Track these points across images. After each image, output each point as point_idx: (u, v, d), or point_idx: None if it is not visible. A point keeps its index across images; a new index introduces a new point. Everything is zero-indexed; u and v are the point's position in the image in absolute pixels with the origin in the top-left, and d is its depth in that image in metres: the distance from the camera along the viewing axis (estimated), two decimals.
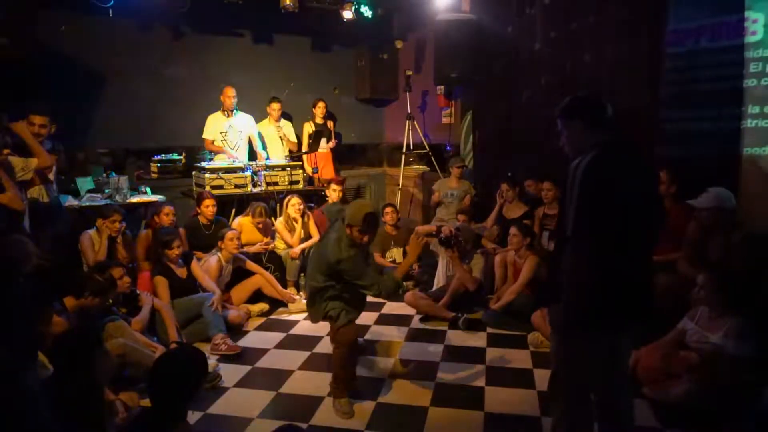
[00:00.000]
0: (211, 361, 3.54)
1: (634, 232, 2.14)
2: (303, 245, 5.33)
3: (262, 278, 4.90)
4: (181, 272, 4.39)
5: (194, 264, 4.48)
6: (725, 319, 3.12)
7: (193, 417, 3.04)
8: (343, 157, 7.45)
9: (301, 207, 5.37)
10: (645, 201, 2.18)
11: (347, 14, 6.65)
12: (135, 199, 5.20)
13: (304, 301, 4.91)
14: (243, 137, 6.24)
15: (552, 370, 2.39)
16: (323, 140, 6.61)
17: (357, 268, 3.09)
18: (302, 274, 5.29)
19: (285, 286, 5.14)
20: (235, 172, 5.65)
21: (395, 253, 5.87)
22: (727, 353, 3.02)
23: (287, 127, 6.71)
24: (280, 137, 6.53)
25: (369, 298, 5.16)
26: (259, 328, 4.57)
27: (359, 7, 6.67)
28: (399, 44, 7.34)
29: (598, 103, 2.29)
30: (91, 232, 4.46)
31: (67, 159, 5.11)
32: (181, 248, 4.39)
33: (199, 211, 5.09)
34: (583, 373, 2.27)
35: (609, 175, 2.12)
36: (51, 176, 4.19)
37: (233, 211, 5.78)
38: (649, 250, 2.25)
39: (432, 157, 6.99)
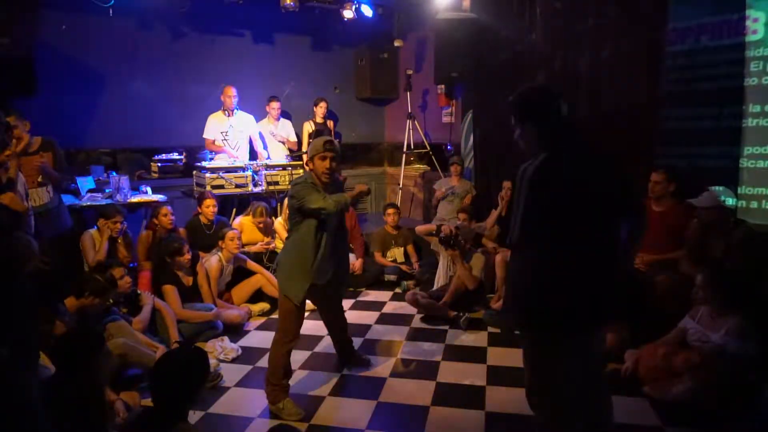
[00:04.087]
0: (212, 360, 3.55)
1: (587, 235, 2.06)
2: None
3: (263, 278, 4.90)
4: (188, 280, 4.38)
5: (201, 275, 4.45)
6: (726, 319, 3.13)
7: (194, 417, 3.04)
8: (343, 156, 7.41)
9: None
10: (601, 203, 2.08)
11: (348, 13, 6.65)
12: (135, 199, 5.19)
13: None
14: (244, 137, 6.23)
15: (527, 375, 2.38)
16: None
17: (305, 192, 3.03)
18: None
19: None
20: (235, 171, 5.65)
21: (396, 253, 5.87)
22: (727, 352, 3.03)
23: (287, 126, 6.72)
24: (280, 141, 6.54)
25: (370, 297, 5.16)
26: (260, 327, 4.57)
27: (360, 6, 6.67)
28: (398, 43, 7.34)
29: (549, 99, 2.14)
30: (93, 231, 4.46)
31: (66, 155, 5.08)
32: (190, 253, 4.38)
33: (200, 211, 5.09)
34: (571, 378, 2.20)
35: (556, 182, 2.05)
36: (43, 178, 4.15)
37: (234, 210, 5.78)
38: (612, 252, 2.13)
39: (433, 157, 6.99)
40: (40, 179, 4.11)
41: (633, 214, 2.18)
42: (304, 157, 6.38)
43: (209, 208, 5.03)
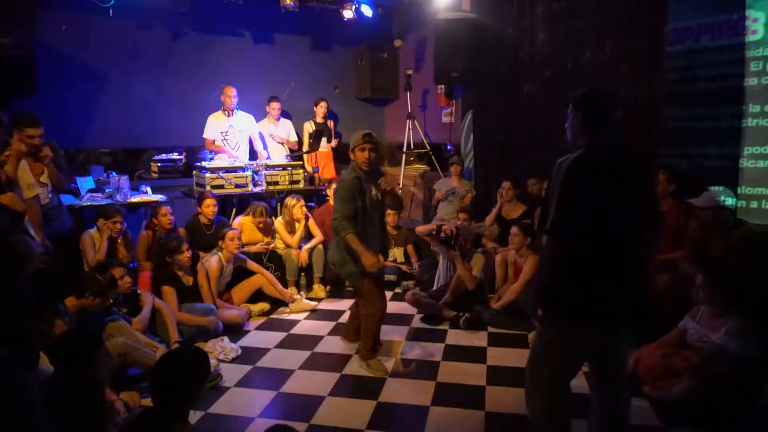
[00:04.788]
0: (212, 360, 3.54)
1: (612, 232, 2.17)
2: (308, 245, 5.34)
3: (263, 278, 4.90)
4: (188, 279, 4.37)
5: (201, 275, 4.43)
6: (726, 319, 3.13)
7: (194, 417, 3.03)
8: (343, 156, 7.44)
9: (304, 208, 5.38)
10: (629, 203, 2.19)
11: (348, 13, 6.65)
12: (135, 199, 5.19)
13: (306, 301, 4.97)
14: (243, 137, 6.24)
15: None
16: (324, 139, 6.62)
17: (343, 195, 3.40)
18: (302, 274, 5.30)
19: (285, 286, 5.14)
20: (235, 171, 5.64)
21: (396, 253, 5.87)
22: (727, 352, 3.03)
23: (287, 126, 6.72)
24: (279, 142, 6.55)
25: None
26: (260, 327, 4.57)
27: (360, 6, 6.67)
28: (398, 43, 7.34)
29: (605, 103, 2.30)
30: (92, 231, 4.46)
31: (66, 157, 5.09)
32: (190, 251, 4.38)
33: (200, 211, 5.08)
34: (553, 362, 2.32)
35: (590, 175, 2.17)
36: (45, 179, 4.16)
37: (234, 210, 5.78)
38: (631, 252, 2.22)
39: (432, 157, 6.99)
40: (42, 180, 4.11)
41: (654, 225, 2.30)
42: (305, 157, 6.43)
43: (209, 207, 5.02)
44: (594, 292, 2.18)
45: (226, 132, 6.11)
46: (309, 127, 6.74)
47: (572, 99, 2.36)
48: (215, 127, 6.10)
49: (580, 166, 2.16)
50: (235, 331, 4.36)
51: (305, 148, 6.52)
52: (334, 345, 4.17)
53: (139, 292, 3.99)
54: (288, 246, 5.35)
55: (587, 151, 2.20)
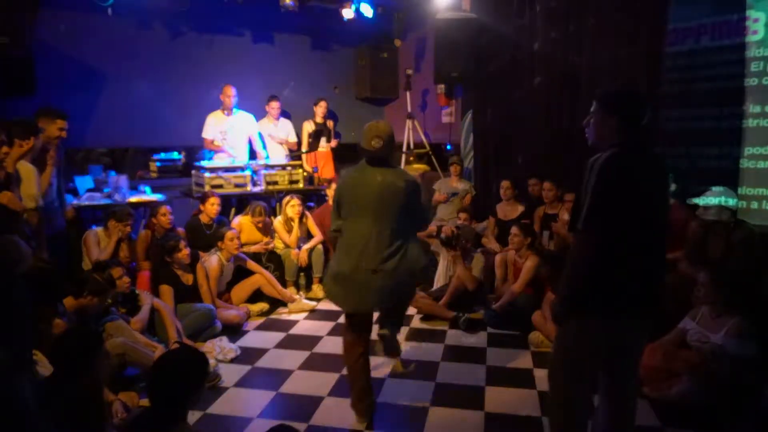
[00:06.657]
0: (211, 360, 3.54)
1: (640, 231, 2.17)
2: (308, 245, 5.33)
3: (262, 278, 4.89)
4: (187, 279, 4.35)
5: (200, 274, 4.42)
6: (726, 319, 3.12)
7: (193, 417, 3.03)
8: (343, 156, 7.44)
9: (300, 208, 5.37)
10: (656, 203, 2.24)
11: (347, 13, 6.65)
12: (134, 199, 5.18)
13: (305, 301, 4.96)
14: (243, 136, 6.23)
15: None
16: (323, 139, 6.61)
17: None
18: (302, 274, 5.29)
19: (285, 286, 5.13)
20: (234, 171, 5.63)
21: None
22: (727, 353, 3.02)
23: (287, 125, 6.71)
24: (278, 143, 6.55)
25: None
26: (259, 327, 4.56)
27: (359, 6, 6.67)
28: (398, 43, 7.33)
29: (640, 104, 2.31)
30: (98, 230, 4.44)
31: (67, 158, 5.08)
32: (188, 249, 4.36)
33: (202, 209, 5.07)
34: (574, 357, 2.31)
35: (624, 175, 2.17)
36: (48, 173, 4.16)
37: (233, 210, 5.78)
38: (655, 249, 2.25)
39: (432, 157, 6.98)
40: (47, 173, 4.12)
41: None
42: (304, 156, 6.43)
43: (214, 206, 5.01)
44: (622, 290, 2.18)
45: (226, 132, 6.10)
46: (308, 127, 6.73)
47: (604, 100, 2.32)
48: (214, 126, 6.09)
49: (614, 166, 2.16)
50: (234, 331, 4.35)
51: (304, 147, 6.51)
52: (334, 345, 4.16)
53: (137, 292, 3.99)
54: (287, 246, 5.34)
55: (621, 151, 2.20)
